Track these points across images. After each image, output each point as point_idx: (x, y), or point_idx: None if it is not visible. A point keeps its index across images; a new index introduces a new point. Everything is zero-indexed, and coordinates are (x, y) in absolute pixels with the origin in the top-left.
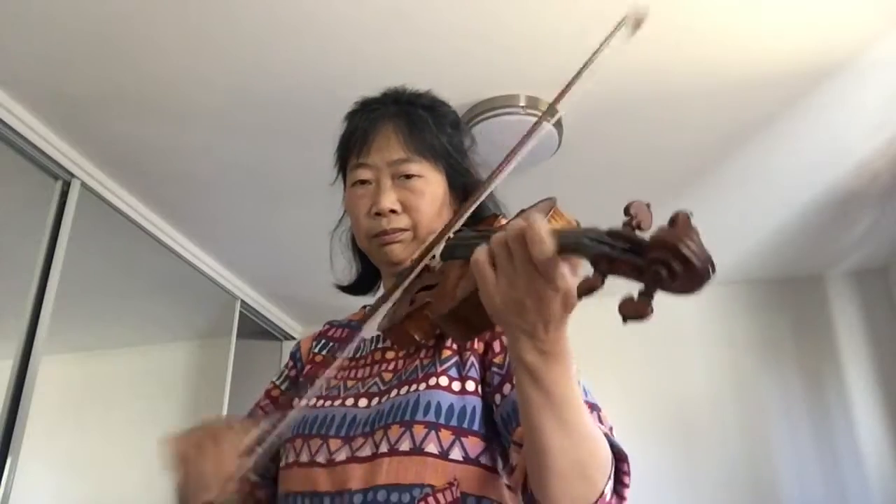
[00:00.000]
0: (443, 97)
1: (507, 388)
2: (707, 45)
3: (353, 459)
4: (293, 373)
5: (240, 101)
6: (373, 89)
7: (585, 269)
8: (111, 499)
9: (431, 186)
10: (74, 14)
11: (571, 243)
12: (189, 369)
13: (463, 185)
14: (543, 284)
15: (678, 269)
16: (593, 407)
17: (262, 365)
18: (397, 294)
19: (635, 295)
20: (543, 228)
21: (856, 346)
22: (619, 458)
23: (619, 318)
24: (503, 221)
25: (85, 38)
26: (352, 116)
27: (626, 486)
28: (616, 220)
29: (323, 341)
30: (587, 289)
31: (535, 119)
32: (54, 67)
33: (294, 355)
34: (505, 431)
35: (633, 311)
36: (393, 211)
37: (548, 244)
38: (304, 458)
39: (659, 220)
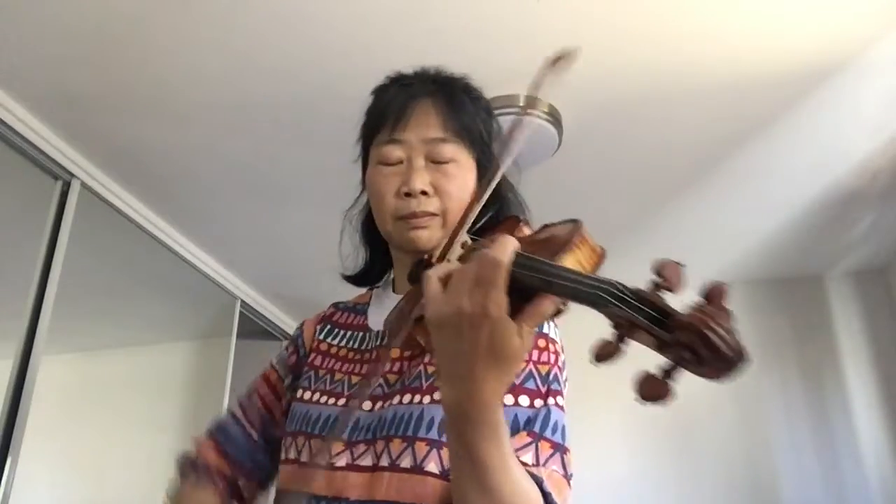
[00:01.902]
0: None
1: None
2: (707, 46)
3: (352, 467)
4: (293, 359)
5: (240, 101)
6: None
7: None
8: (111, 499)
9: (463, 172)
10: (74, 14)
11: (587, 295)
12: (189, 369)
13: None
14: (477, 301)
15: (706, 355)
16: (556, 447)
17: (262, 365)
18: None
19: (655, 372)
20: (505, 254)
21: (856, 346)
22: None
23: (636, 397)
24: (525, 230)
25: (85, 38)
26: (383, 90)
27: None
28: (616, 220)
29: (328, 327)
30: (605, 354)
31: (535, 119)
32: (54, 67)
33: (296, 340)
34: None
35: (653, 392)
36: (424, 193)
37: (502, 258)
38: (305, 456)
39: (662, 218)
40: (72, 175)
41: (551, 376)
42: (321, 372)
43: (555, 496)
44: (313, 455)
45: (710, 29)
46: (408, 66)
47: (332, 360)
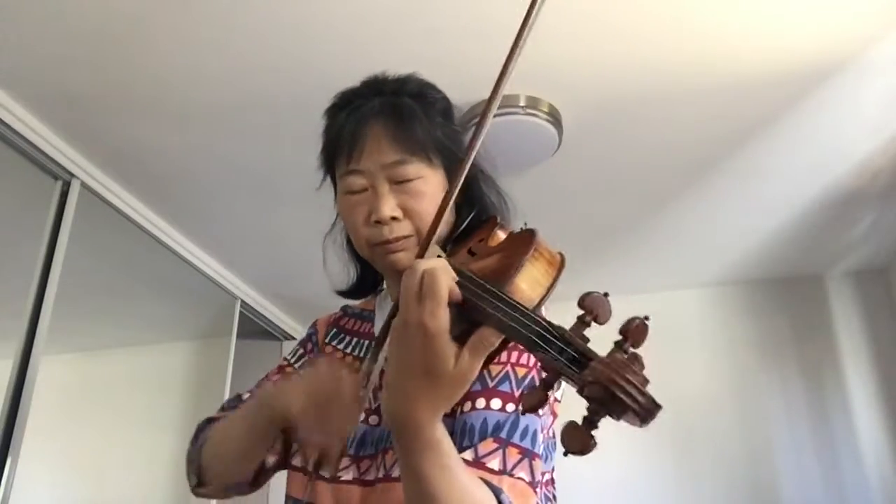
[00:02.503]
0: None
1: (467, 404)
2: (707, 45)
3: (357, 481)
4: (310, 355)
5: (240, 101)
6: None
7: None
8: (111, 499)
9: (431, 186)
10: (74, 14)
11: (520, 336)
12: (189, 369)
13: (470, 198)
14: (414, 311)
15: (615, 409)
16: (525, 453)
17: (262, 365)
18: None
19: (579, 421)
20: (444, 280)
21: (856, 346)
22: None
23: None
24: (499, 234)
25: (85, 38)
26: (333, 114)
27: None
28: (616, 220)
29: (335, 331)
30: (533, 404)
31: (535, 119)
32: (54, 67)
33: (311, 337)
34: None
35: (578, 444)
36: (394, 218)
37: (444, 275)
38: (311, 466)
39: (662, 218)
40: (72, 175)
41: (527, 380)
42: None
43: None
44: (317, 468)
45: (710, 28)
46: (408, 66)
47: None
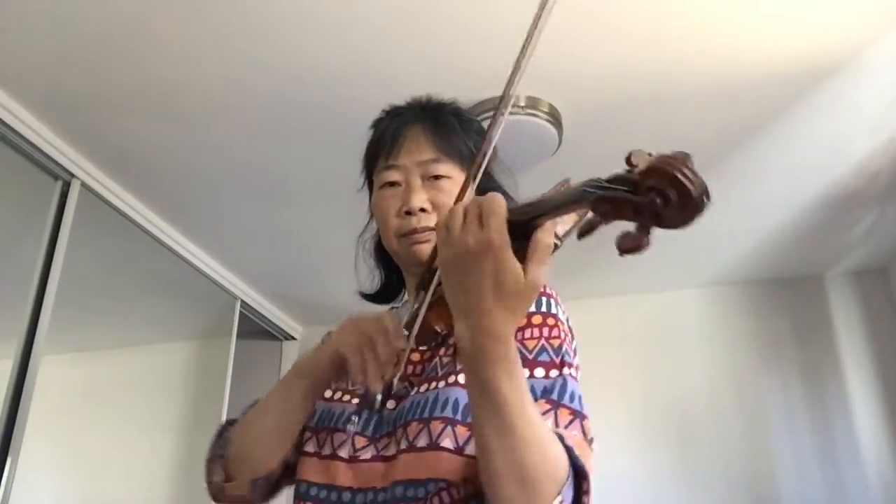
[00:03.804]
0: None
1: None
2: (706, 45)
3: (378, 458)
4: None
5: (240, 101)
6: (373, 89)
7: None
8: (111, 499)
9: (457, 188)
10: (75, 14)
11: (572, 193)
12: (189, 369)
13: (486, 191)
14: (478, 237)
15: (672, 195)
16: (576, 414)
17: (262, 365)
18: (431, 291)
19: (631, 229)
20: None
21: (856, 346)
22: (579, 474)
23: (618, 251)
24: None
25: (85, 38)
26: (378, 123)
27: None
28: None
29: None
30: (588, 227)
31: (535, 118)
32: (54, 67)
33: (325, 343)
34: None
35: (631, 242)
36: (423, 210)
37: (498, 198)
38: (327, 450)
39: None
40: (72, 175)
41: (563, 349)
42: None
43: (577, 451)
44: (336, 447)
45: (710, 29)
46: (409, 66)
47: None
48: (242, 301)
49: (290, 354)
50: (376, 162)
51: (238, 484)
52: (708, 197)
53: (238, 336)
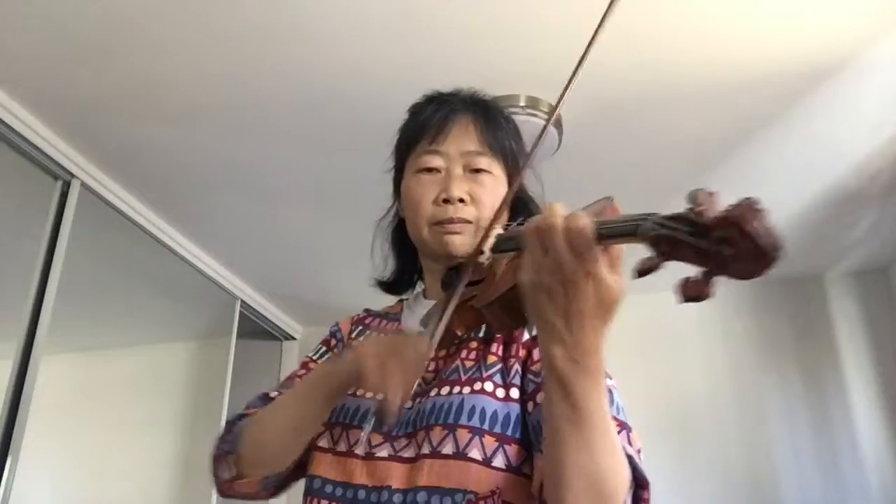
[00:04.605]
0: None
1: (540, 396)
2: (706, 45)
3: (395, 458)
4: (335, 351)
5: (240, 101)
6: (373, 89)
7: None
8: (111, 499)
9: (497, 184)
10: (74, 14)
11: (627, 227)
12: (189, 369)
13: (518, 198)
14: (575, 266)
15: (744, 248)
16: (623, 426)
17: (262, 365)
18: (459, 291)
19: (694, 275)
20: (583, 215)
21: (856, 346)
22: (641, 484)
23: (679, 298)
24: None
25: (85, 38)
26: (422, 107)
27: None
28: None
29: (360, 328)
30: (647, 268)
31: (535, 118)
32: (54, 67)
33: (335, 334)
34: (535, 440)
35: (694, 290)
36: (461, 200)
37: (586, 222)
38: (342, 447)
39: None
40: (72, 175)
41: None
42: None
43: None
44: (352, 444)
45: (710, 29)
46: (409, 66)
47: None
48: (242, 301)
49: (291, 354)
50: (415, 146)
51: (249, 482)
52: (780, 252)
53: (238, 336)
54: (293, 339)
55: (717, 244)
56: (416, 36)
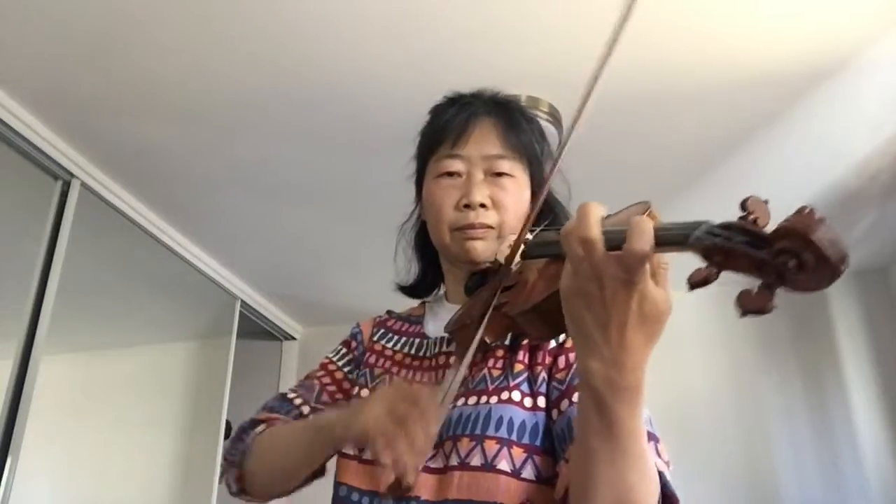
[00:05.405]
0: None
1: (564, 403)
2: (707, 45)
3: (423, 468)
4: (355, 353)
5: (241, 101)
6: (373, 89)
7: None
8: (111, 499)
9: (520, 187)
10: (74, 14)
11: (677, 236)
12: (189, 369)
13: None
14: (620, 275)
15: (809, 260)
16: (651, 437)
17: (262, 365)
18: (493, 301)
19: (753, 288)
20: (647, 222)
21: (856, 346)
22: (670, 499)
23: (739, 312)
24: None
25: (85, 37)
26: (443, 108)
27: None
28: None
29: (382, 331)
30: (701, 280)
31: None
32: (54, 67)
33: (356, 336)
34: (560, 448)
35: (755, 304)
36: (483, 206)
37: (648, 235)
38: (368, 454)
39: (662, 218)
40: (72, 175)
41: None
42: (377, 371)
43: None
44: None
45: (710, 29)
46: (409, 66)
47: (389, 363)
48: (242, 301)
49: (290, 354)
50: (436, 149)
51: (254, 498)
52: (847, 263)
53: (238, 336)
54: (293, 339)
55: (779, 255)
56: (416, 35)
